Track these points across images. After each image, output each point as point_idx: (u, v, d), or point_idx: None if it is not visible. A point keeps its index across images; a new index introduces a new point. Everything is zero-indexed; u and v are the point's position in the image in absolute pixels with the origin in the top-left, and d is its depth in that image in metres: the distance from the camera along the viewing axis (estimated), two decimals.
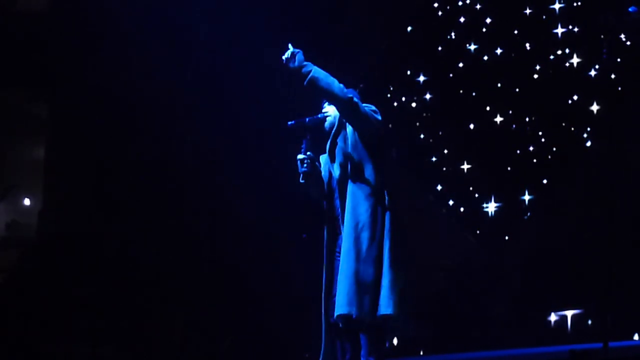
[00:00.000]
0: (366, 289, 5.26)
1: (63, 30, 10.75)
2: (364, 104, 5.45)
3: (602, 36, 9.62)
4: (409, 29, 11.29)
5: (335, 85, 5.32)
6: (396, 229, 5.36)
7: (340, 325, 5.37)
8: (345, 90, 5.34)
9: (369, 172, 5.44)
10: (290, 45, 5.42)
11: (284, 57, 5.40)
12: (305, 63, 5.37)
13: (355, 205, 5.38)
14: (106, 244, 10.22)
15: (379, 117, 5.50)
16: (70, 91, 10.84)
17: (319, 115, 5.66)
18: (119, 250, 10.18)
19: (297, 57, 5.36)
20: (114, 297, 9.94)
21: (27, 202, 11.27)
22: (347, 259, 5.32)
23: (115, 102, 10.47)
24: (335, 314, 5.30)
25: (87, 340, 9.85)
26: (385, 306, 5.21)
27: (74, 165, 10.65)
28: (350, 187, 5.43)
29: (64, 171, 10.75)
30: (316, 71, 5.34)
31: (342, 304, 5.25)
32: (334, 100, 5.36)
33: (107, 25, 10.46)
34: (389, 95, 11.22)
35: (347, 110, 5.36)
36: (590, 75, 10.36)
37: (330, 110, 5.65)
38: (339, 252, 5.45)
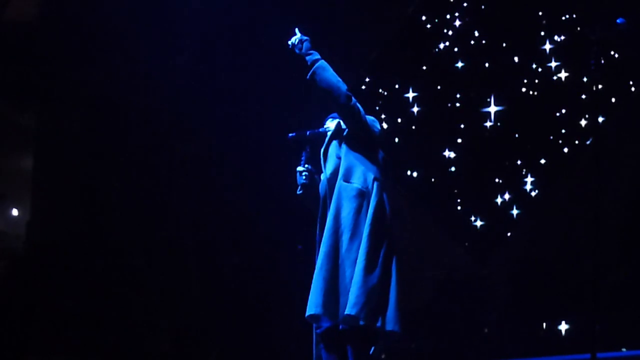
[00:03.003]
0: (341, 292, 5.17)
1: (52, 40, 10.73)
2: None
3: (590, 49, 9.68)
4: (397, 42, 11.33)
5: (340, 80, 5.33)
6: (378, 232, 5.25)
7: (313, 324, 5.33)
8: (346, 87, 5.34)
9: (358, 174, 5.38)
10: (297, 31, 5.42)
11: (290, 42, 5.40)
12: (312, 51, 5.38)
13: (340, 207, 5.31)
14: (95, 254, 10.19)
15: (378, 126, 5.51)
16: (58, 101, 10.82)
17: (320, 129, 5.66)
18: (108, 261, 10.15)
19: (304, 44, 5.37)
20: (102, 306, 9.92)
21: (15, 212, 11.22)
22: (325, 261, 5.22)
23: (103, 112, 10.47)
24: (307, 314, 5.23)
25: (76, 351, 9.82)
26: (350, 306, 5.08)
27: (62, 175, 10.64)
28: (337, 187, 5.37)
29: (52, 181, 10.74)
30: (323, 61, 5.35)
31: (312, 305, 5.18)
32: (335, 94, 5.31)
33: (96, 36, 10.46)
34: (377, 108, 11.24)
35: (346, 107, 5.34)
36: (579, 89, 10.42)
37: (331, 126, 5.65)
38: None
